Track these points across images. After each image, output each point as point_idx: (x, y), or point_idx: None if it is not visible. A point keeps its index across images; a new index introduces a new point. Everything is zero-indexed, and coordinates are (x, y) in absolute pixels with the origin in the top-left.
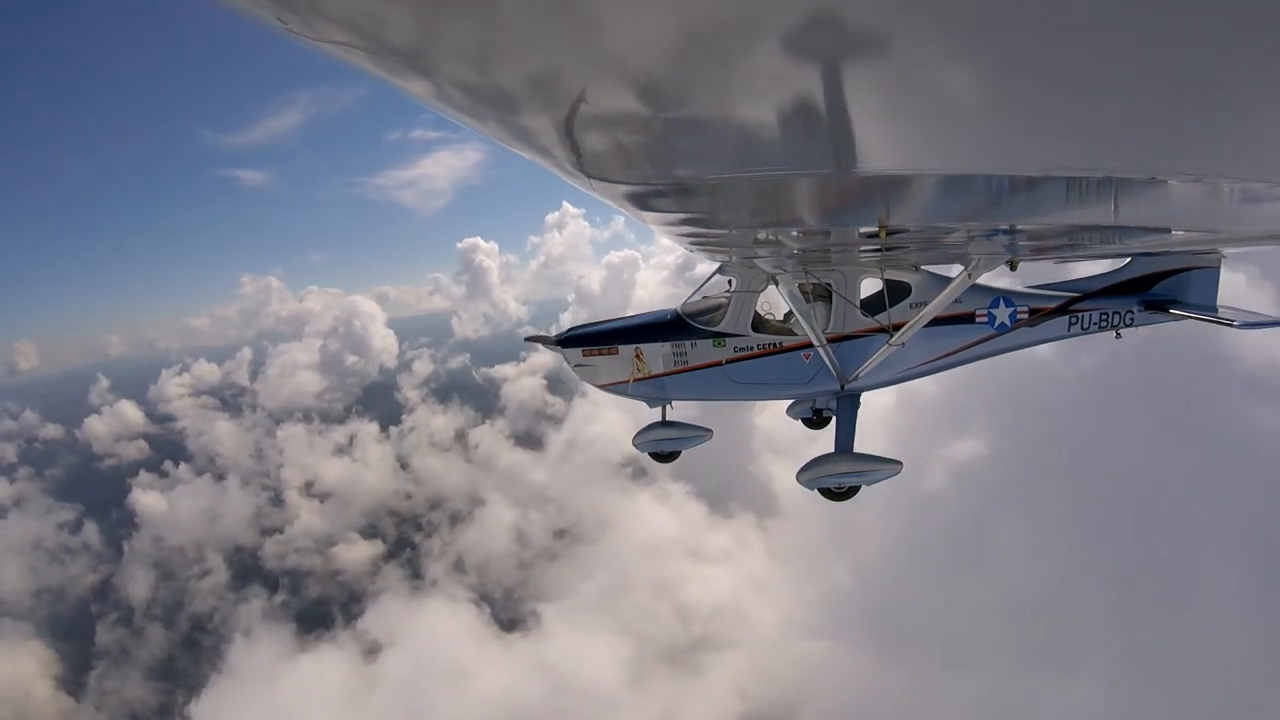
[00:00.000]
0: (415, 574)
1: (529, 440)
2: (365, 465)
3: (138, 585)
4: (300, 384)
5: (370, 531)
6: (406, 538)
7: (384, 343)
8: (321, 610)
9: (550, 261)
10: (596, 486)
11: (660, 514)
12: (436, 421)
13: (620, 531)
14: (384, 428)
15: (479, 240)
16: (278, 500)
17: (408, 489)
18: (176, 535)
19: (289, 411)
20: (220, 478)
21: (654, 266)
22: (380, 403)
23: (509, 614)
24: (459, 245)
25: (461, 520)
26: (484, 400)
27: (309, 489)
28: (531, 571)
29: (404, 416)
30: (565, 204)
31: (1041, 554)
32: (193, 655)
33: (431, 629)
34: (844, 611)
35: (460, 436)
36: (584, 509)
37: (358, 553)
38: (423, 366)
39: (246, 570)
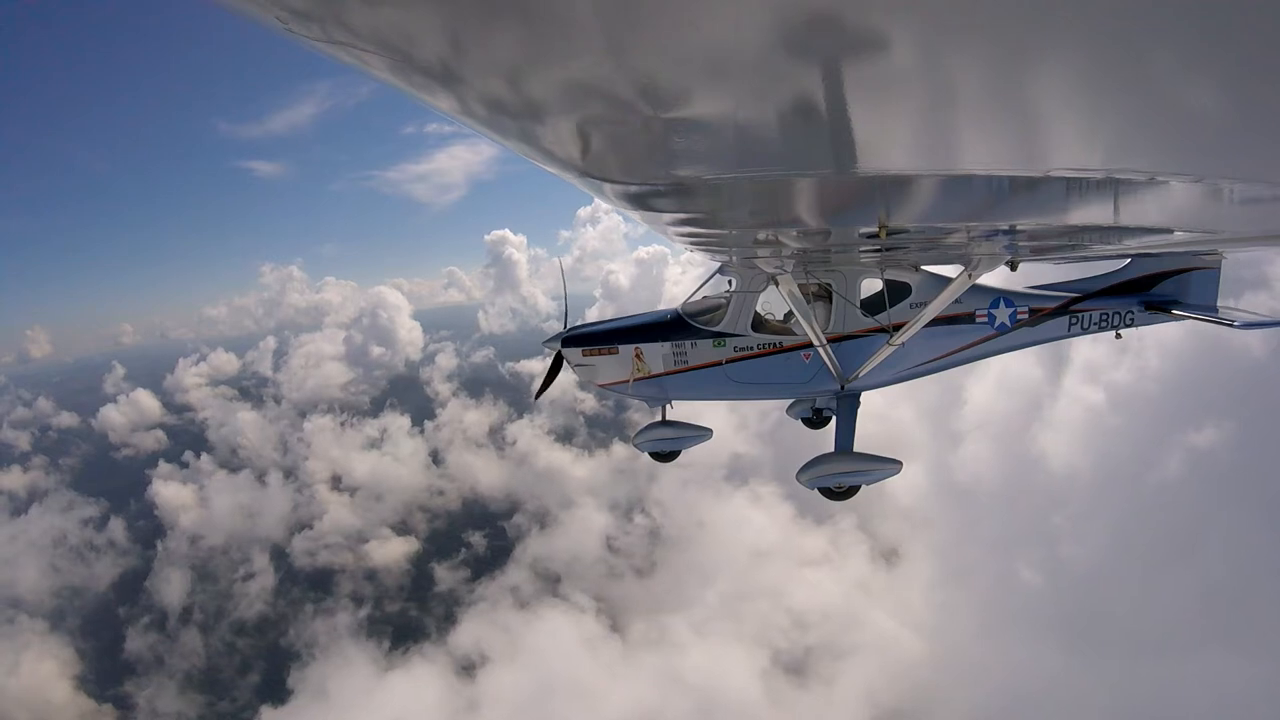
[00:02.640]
0: (503, 582)
1: (568, 436)
2: (396, 460)
3: (168, 584)
4: (326, 375)
5: (403, 528)
6: (442, 533)
7: (410, 335)
8: (395, 619)
9: (585, 256)
10: (690, 489)
11: (759, 518)
12: (469, 416)
13: (721, 536)
14: (416, 421)
15: (507, 233)
16: (306, 495)
17: (441, 485)
18: (203, 528)
19: (314, 403)
20: (247, 470)
21: (683, 263)
22: (409, 396)
23: (619, 623)
24: (487, 238)
25: (548, 524)
26: (517, 395)
27: (337, 483)
28: (634, 579)
29: (437, 411)
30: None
31: (1226, 542)
32: (236, 663)
33: (535, 641)
34: (976, 612)
35: (495, 432)
36: (681, 512)
37: (391, 550)
38: (446, 360)
39: (294, 573)
